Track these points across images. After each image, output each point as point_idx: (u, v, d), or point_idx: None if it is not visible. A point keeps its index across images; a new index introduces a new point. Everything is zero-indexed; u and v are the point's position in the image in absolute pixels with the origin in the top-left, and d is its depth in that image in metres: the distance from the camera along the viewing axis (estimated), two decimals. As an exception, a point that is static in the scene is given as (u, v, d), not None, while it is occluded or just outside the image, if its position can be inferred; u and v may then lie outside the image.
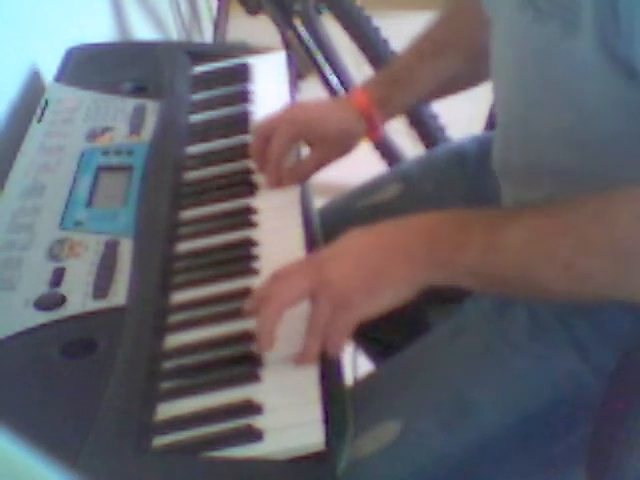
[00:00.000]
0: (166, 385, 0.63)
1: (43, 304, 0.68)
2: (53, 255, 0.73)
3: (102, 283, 0.69)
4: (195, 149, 0.89)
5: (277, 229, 0.78)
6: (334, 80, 1.70)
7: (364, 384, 0.77)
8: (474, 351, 0.73)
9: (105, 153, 0.84)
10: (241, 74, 0.99)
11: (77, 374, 0.62)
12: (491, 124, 1.05)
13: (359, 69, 1.74)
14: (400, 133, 1.60)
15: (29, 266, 0.72)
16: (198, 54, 1.04)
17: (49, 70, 1.00)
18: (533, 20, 0.61)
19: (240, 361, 0.64)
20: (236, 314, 0.68)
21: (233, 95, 0.96)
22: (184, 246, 0.76)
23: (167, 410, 0.61)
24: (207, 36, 2.35)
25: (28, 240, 0.74)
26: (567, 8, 0.58)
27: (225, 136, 0.90)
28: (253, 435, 0.58)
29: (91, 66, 0.99)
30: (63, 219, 0.76)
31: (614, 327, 0.69)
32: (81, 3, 1.25)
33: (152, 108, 0.91)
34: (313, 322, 0.63)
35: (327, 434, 0.58)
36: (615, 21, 0.55)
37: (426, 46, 0.86)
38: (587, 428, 0.67)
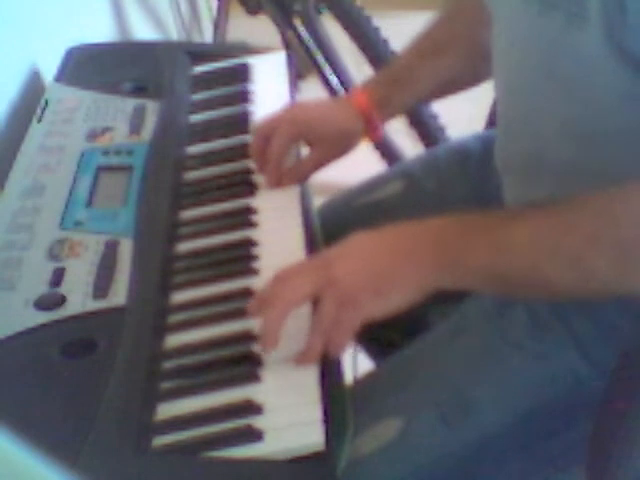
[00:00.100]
0: (166, 385, 0.63)
1: (43, 304, 0.68)
2: (53, 255, 0.73)
3: (102, 283, 0.69)
4: (195, 149, 0.89)
5: (277, 229, 0.78)
6: (334, 80, 1.70)
7: (364, 383, 0.77)
8: (474, 350, 0.73)
9: (105, 153, 0.84)
10: (241, 74, 0.99)
11: (77, 374, 0.62)
12: (492, 122, 1.05)
13: (359, 69, 1.74)
14: (400, 133, 1.60)
15: (29, 266, 0.72)
16: (198, 54, 1.04)
17: (49, 70, 1.00)
18: (539, 14, 0.61)
19: (240, 361, 0.64)
20: (236, 314, 0.68)
21: (233, 95, 0.96)
22: (184, 246, 0.76)
23: (167, 410, 0.61)
24: (207, 36, 2.35)
25: (28, 240, 0.74)
26: (573, 1, 0.58)
27: (225, 136, 0.90)
28: (253, 435, 0.58)
29: (91, 66, 0.99)
30: (63, 219, 0.76)
31: (614, 325, 0.69)
32: (81, 3, 1.25)
33: (152, 108, 0.91)
34: (318, 321, 0.63)
35: (327, 434, 0.58)
36: (622, 13, 0.55)
37: (426, 46, 0.86)
38: (587, 426, 0.68)
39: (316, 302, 0.64)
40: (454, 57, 0.85)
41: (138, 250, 0.73)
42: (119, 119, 0.89)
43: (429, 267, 0.63)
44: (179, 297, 0.71)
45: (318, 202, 0.92)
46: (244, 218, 0.79)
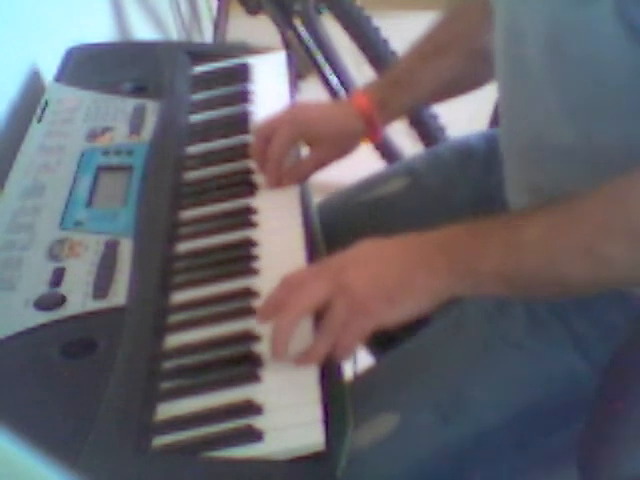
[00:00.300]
0: (166, 385, 0.63)
1: (43, 304, 0.68)
2: (53, 255, 0.73)
3: (102, 283, 0.69)
4: (195, 149, 0.89)
5: (277, 229, 0.78)
6: (334, 80, 1.70)
7: (364, 378, 0.77)
8: (472, 347, 0.73)
9: (105, 153, 0.84)
10: (241, 74, 0.99)
11: (77, 374, 0.62)
12: (496, 121, 1.05)
13: (359, 69, 1.74)
14: (400, 133, 1.60)
15: (29, 266, 0.72)
16: (198, 54, 1.04)
17: (49, 70, 1.00)
18: None
19: (240, 361, 0.64)
20: (236, 314, 0.68)
21: (233, 95, 0.96)
22: (184, 246, 0.76)
23: (167, 410, 0.61)
24: (207, 36, 2.35)
25: (28, 240, 0.74)
26: None
27: (225, 136, 0.90)
28: (253, 435, 0.58)
29: (91, 66, 0.99)
30: (63, 219, 0.76)
31: (612, 325, 0.69)
32: (81, 3, 1.25)
33: (152, 108, 0.91)
34: (327, 324, 0.63)
35: (327, 434, 0.58)
36: None
37: (427, 48, 0.86)
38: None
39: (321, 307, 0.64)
40: (455, 59, 0.85)
41: (138, 250, 0.73)
42: (119, 119, 0.89)
43: (441, 275, 0.63)
44: (179, 297, 0.71)
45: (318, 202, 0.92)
46: (244, 218, 0.79)
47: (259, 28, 1.91)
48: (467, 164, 0.93)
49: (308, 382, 0.62)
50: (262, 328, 0.66)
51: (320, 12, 1.72)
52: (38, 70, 1.02)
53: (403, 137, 1.65)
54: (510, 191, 0.79)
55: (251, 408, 0.60)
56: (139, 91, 0.94)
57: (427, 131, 1.61)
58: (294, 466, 0.58)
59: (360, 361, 0.79)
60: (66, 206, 0.78)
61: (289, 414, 0.60)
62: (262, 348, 0.65)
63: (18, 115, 0.94)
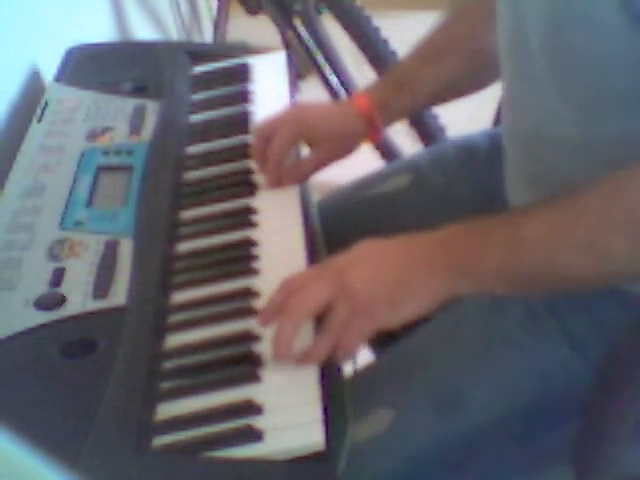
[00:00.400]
0: (166, 385, 0.63)
1: (43, 304, 0.68)
2: (53, 255, 0.73)
3: (102, 283, 0.69)
4: (195, 149, 0.89)
5: (277, 229, 0.78)
6: (334, 80, 1.70)
7: (362, 374, 0.77)
8: (470, 344, 0.74)
9: (105, 153, 0.84)
10: (241, 74, 0.99)
11: (77, 374, 0.62)
12: (499, 120, 1.05)
13: (359, 69, 1.74)
14: (400, 133, 1.60)
15: (29, 266, 0.72)
16: (198, 54, 1.04)
17: (49, 70, 1.00)
18: None
19: (240, 361, 0.64)
20: (236, 314, 0.68)
21: (233, 95, 0.96)
22: (184, 246, 0.76)
23: (167, 410, 0.61)
24: (207, 36, 2.35)
25: (28, 240, 0.74)
26: None
27: (225, 136, 0.90)
28: (253, 435, 0.58)
29: (91, 66, 0.99)
30: (63, 219, 0.76)
31: (609, 322, 0.70)
32: (81, 3, 1.25)
33: (152, 108, 0.91)
34: (329, 325, 0.63)
35: (327, 434, 0.58)
36: None
37: (427, 51, 0.86)
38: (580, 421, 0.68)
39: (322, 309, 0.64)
40: (455, 61, 0.85)
41: (138, 250, 0.73)
42: (119, 119, 0.89)
43: (443, 275, 0.63)
44: (179, 297, 0.71)
45: (318, 202, 0.92)
46: (244, 218, 0.79)
47: (259, 28, 1.91)
48: (470, 162, 0.93)
49: (308, 382, 0.62)
50: (262, 328, 0.66)
51: (320, 12, 1.72)
52: (38, 70, 1.02)
53: (403, 137, 1.65)
54: (510, 187, 0.79)
55: (251, 408, 0.60)
56: (139, 91, 0.94)
57: (427, 131, 1.61)
58: (294, 466, 0.58)
59: (360, 357, 0.80)
60: (66, 206, 0.78)
61: (289, 414, 0.60)
62: (262, 348, 0.65)
63: (18, 115, 0.94)
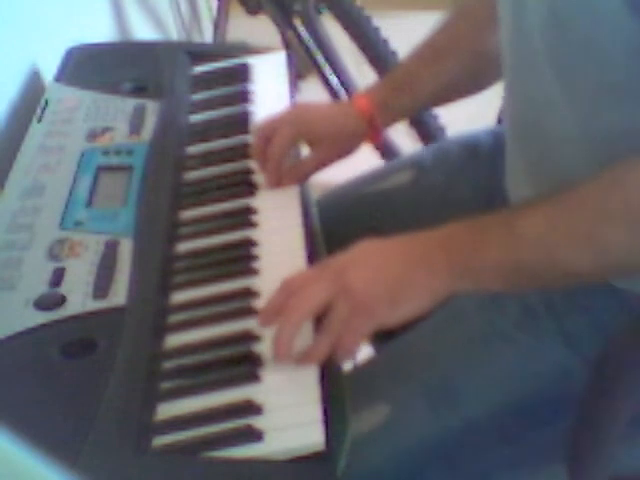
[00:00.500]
0: (166, 385, 0.63)
1: (43, 304, 0.68)
2: (53, 255, 0.73)
3: (102, 283, 0.69)
4: (195, 149, 0.89)
5: (277, 229, 0.78)
6: (334, 80, 1.70)
7: (359, 369, 0.78)
8: (466, 340, 0.74)
9: (105, 153, 0.84)
10: (241, 74, 0.99)
11: (77, 374, 0.62)
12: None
13: (359, 69, 1.74)
14: (400, 133, 1.60)
15: (29, 266, 0.72)
16: (198, 54, 1.04)
17: (49, 70, 1.00)
18: None
19: (240, 361, 0.64)
20: (236, 314, 0.68)
21: (233, 95, 0.96)
22: (184, 246, 0.76)
23: (167, 410, 0.61)
24: (207, 36, 2.35)
25: (28, 240, 0.74)
26: None
27: (225, 136, 0.90)
28: (253, 435, 0.58)
29: (91, 66, 0.99)
30: (63, 219, 0.76)
31: (604, 320, 0.70)
32: (81, 3, 1.25)
33: (152, 108, 0.91)
34: (329, 324, 0.63)
35: (327, 434, 0.58)
36: None
37: (428, 51, 0.86)
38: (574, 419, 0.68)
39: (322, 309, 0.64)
40: (455, 62, 0.85)
41: (138, 250, 0.73)
42: (119, 119, 0.89)
43: (442, 273, 0.63)
44: (179, 297, 0.71)
45: (318, 202, 0.92)
46: (244, 218, 0.79)
47: (259, 28, 1.91)
48: (473, 160, 0.93)
49: (308, 382, 0.62)
50: (262, 328, 0.66)
51: (320, 12, 1.72)
52: (38, 70, 1.02)
53: (403, 137, 1.65)
54: (511, 183, 0.79)
55: (251, 408, 0.60)
56: (139, 91, 0.94)
57: (427, 131, 1.61)
58: (294, 466, 0.58)
59: (361, 354, 0.80)
60: (66, 206, 0.78)
61: (289, 414, 0.60)
62: (262, 348, 0.65)
63: (18, 115, 0.94)
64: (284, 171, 0.82)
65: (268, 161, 0.82)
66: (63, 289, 0.69)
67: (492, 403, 0.71)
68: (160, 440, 0.59)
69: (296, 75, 1.88)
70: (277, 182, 0.82)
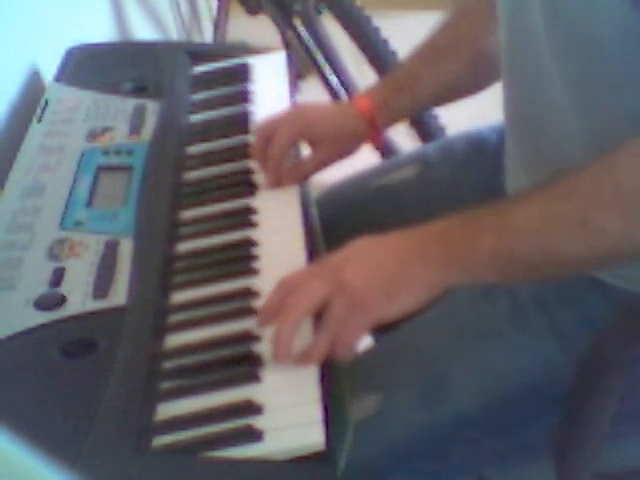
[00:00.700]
0: (166, 385, 0.63)
1: (43, 304, 0.68)
2: (53, 255, 0.73)
3: (102, 283, 0.69)
4: (195, 149, 0.89)
5: (277, 229, 0.78)
6: (334, 80, 1.70)
7: (354, 360, 0.78)
8: (456, 333, 0.75)
9: (105, 153, 0.84)
10: (241, 74, 0.99)
11: (77, 374, 0.62)
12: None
13: (359, 69, 1.74)
14: (400, 133, 1.60)
15: (29, 266, 0.72)
16: (198, 54, 1.04)
17: (49, 70, 1.00)
18: None
19: (240, 361, 0.64)
20: (236, 314, 0.68)
21: (233, 95, 0.96)
22: (184, 246, 0.76)
23: (167, 410, 0.61)
24: (207, 36, 2.35)
25: (28, 240, 0.74)
26: None
27: (225, 136, 0.90)
28: (253, 435, 0.58)
29: (91, 66, 0.99)
30: (63, 219, 0.76)
31: (593, 316, 0.70)
32: (81, 3, 1.25)
33: (152, 108, 0.91)
34: (327, 322, 0.63)
35: (327, 434, 0.58)
36: None
37: (428, 51, 0.87)
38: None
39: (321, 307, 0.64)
40: (455, 62, 0.85)
41: (138, 250, 0.73)
42: (119, 119, 0.89)
43: (437, 266, 0.63)
44: (179, 297, 0.71)
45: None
46: (244, 218, 0.79)
47: (259, 28, 1.91)
48: (477, 157, 0.93)
49: (308, 382, 0.62)
50: (262, 328, 0.66)
51: (320, 12, 1.71)
52: (38, 70, 1.02)
53: (403, 137, 1.65)
54: (510, 176, 0.80)
55: (251, 408, 0.60)
56: (139, 91, 0.94)
57: (427, 131, 1.61)
58: (294, 466, 0.58)
59: (361, 347, 0.81)
60: (66, 206, 0.78)
61: (289, 414, 0.60)
62: (262, 348, 0.65)
63: (18, 115, 0.94)
64: (284, 171, 0.82)
65: (268, 161, 0.82)
66: (63, 289, 0.69)
67: (482, 397, 0.72)
68: (160, 440, 0.59)
69: (296, 75, 1.87)
70: (277, 182, 0.82)
